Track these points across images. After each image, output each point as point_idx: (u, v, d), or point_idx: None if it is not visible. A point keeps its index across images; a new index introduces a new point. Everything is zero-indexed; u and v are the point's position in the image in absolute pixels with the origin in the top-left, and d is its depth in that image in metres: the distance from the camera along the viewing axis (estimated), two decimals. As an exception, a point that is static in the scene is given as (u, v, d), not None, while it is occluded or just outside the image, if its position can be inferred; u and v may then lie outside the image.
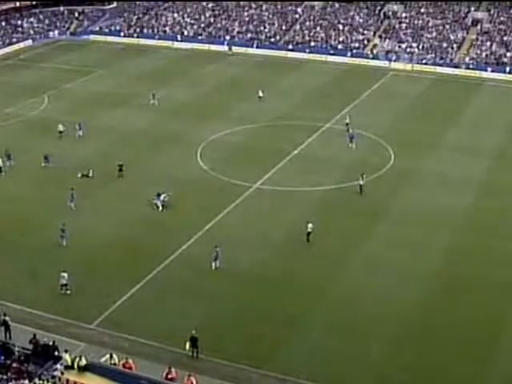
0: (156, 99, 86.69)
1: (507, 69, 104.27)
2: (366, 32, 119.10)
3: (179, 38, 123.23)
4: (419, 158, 69.97)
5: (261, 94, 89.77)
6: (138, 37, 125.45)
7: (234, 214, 58.12)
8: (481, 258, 51.43)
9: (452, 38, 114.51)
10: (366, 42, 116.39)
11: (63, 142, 73.66)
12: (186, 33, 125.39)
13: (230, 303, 45.62)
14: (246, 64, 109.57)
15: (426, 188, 63.31)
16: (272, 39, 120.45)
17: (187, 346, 40.13)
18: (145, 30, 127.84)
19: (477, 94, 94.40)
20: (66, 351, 37.19)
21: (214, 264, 49.00)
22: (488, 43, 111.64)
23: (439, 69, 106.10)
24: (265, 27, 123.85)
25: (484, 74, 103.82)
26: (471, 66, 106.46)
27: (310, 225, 52.74)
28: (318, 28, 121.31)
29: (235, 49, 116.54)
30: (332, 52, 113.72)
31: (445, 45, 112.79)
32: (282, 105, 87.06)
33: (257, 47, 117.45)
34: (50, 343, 37.65)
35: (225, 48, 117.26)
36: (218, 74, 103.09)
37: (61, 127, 74.89)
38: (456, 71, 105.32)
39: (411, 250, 52.24)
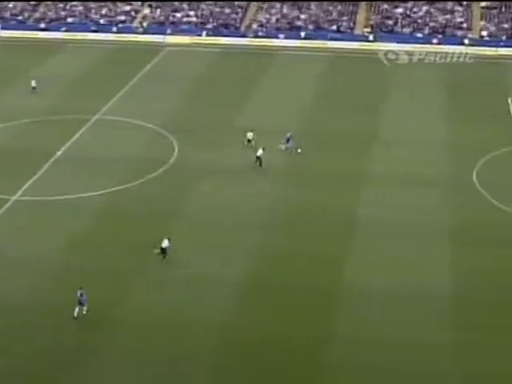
0: None
1: (302, 34, 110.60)
2: (133, 2, 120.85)
3: None
4: (209, 149, 72.89)
5: (34, 84, 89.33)
6: None
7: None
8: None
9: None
10: (133, 13, 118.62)
11: None
12: None
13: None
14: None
15: (214, 182, 66.32)
16: (19, 17, 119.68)
17: None
18: None
19: (270, 67, 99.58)
20: None
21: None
22: (278, 5, 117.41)
23: (224, 40, 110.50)
24: (8, 1, 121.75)
25: (276, 42, 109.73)
26: (260, 34, 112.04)
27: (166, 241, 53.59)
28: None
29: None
30: (94, 28, 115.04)
31: (228, 11, 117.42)
32: (40, 97, 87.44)
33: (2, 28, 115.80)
34: None
35: None
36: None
37: None
38: (243, 41, 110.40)
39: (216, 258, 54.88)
